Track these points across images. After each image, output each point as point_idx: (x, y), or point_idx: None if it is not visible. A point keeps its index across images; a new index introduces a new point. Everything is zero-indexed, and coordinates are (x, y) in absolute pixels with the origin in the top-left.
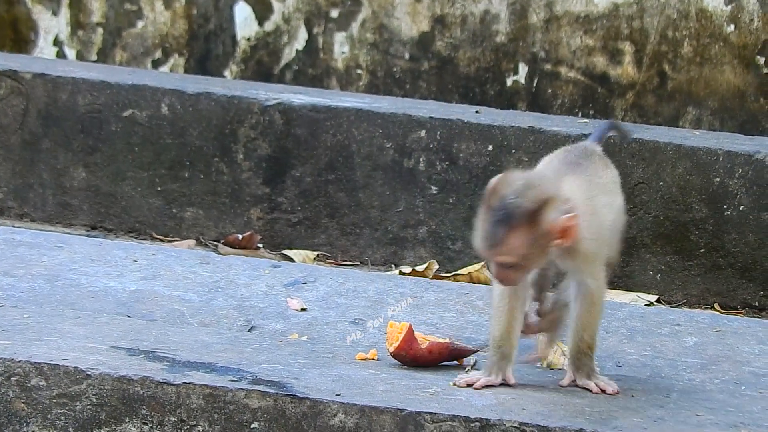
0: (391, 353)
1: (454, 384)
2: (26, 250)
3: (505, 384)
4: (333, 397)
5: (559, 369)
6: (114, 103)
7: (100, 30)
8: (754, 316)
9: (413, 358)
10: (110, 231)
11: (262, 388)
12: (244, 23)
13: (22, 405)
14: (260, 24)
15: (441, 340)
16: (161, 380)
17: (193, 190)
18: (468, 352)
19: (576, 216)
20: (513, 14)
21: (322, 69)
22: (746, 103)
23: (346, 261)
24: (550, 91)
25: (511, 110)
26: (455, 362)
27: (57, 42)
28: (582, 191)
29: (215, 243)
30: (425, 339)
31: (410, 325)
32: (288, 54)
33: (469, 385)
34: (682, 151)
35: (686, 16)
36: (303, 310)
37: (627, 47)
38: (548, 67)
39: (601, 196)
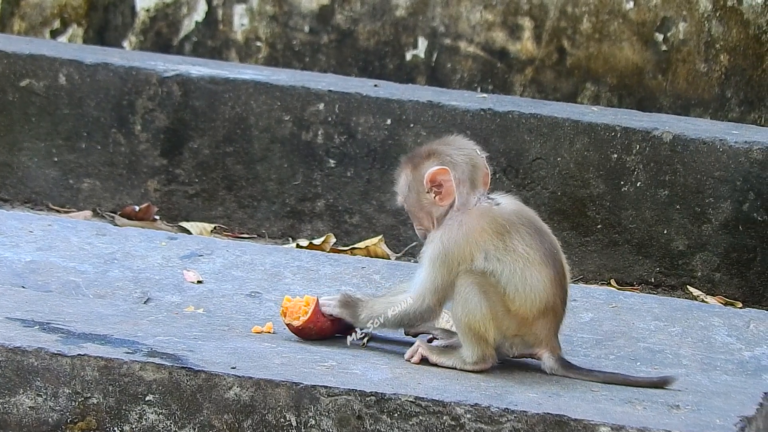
0: (296, 327)
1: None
2: None
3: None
4: (228, 370)
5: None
6: (11, 72)
7: None
8: (650, 293)
9: (319, 331)
10: (6, 201)
11: (157, 360)
12: None
13: None
14: None
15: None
16: (56, 352)
17: (90, 161)
18: None
19: (445, 171)
20: None
21: (222, 41)
22: (644, 80)
23: (243, 234)
24: (449, 65)
25: (410, 84)
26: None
27: None
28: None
29: (112, 214)
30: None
31: (317, 299)
32: (187, 25)
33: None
34: (580, 127)
35: None
36: (199, 282)
37: (526, 23)
38: (448, 41)
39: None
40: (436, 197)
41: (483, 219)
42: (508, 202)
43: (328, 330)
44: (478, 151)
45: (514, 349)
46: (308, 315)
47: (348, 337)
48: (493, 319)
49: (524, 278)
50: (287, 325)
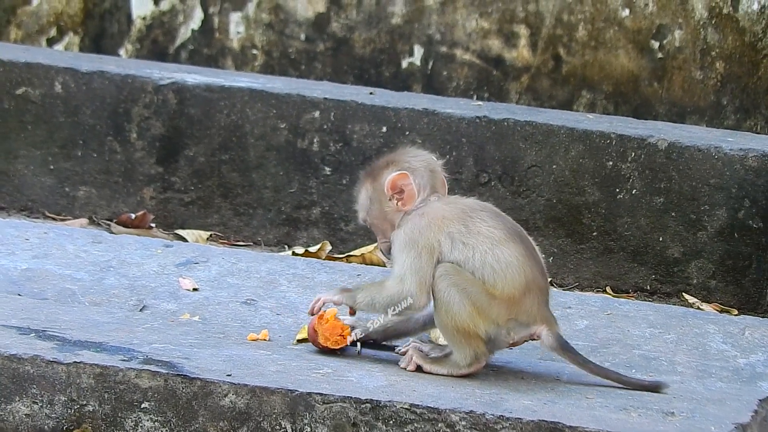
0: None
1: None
2: None
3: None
4: (224, 378)
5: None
6: (7, 80)
7: None
8: (645, 300)
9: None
10: (2, 209)
11: (152, 367)
12: (140, 2)
13: None
14: (156, 3)
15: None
16: (51, 359)
17: (86, 169)
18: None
19: (405, 175)
20: None
21: (218, 49)
22: (640, 87)
23: (239, 241)
24: (445, 73)
25: (405, 92)
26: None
27: None
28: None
29: (108, 222)
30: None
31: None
32: (183, 33)
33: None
34: (576, 134)
35: (581, 0)
36: (195, 290)
37: (522, 30)
38: (443, 49)
39: (456, 222)
40: (399, 203)
41: (444, 208)
42: (467, 199)
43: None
44: (435, 158)
45: (513, 334)
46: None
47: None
48: (480, 312)
49: (496, 257)
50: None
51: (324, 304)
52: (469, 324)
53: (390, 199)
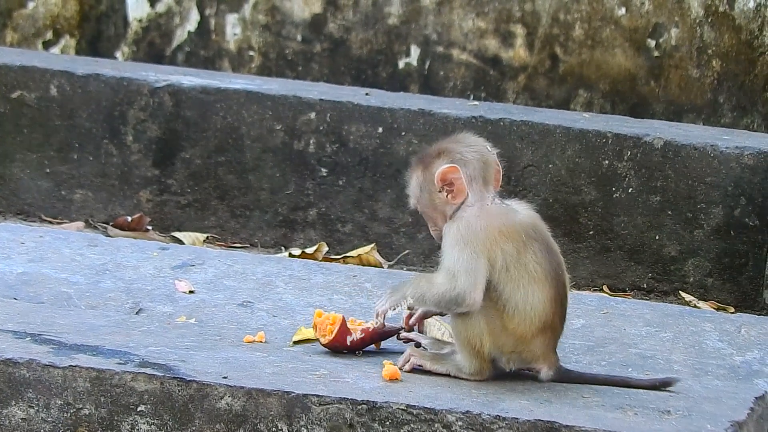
0: (323, 344)
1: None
2: None
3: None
4: (220, 380)
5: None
6: (2, 84)
7: None
8: (642, 299)
9: (348, 347)
10: None
11: (149, 370)
12: (136, 4)
13: None
14: (152, 5)
15: (370, 325)
16: (47, 363)
17: (83, 172)
18: (394, 332)
19: (455, 169)
20: None
21: (214, 51)
22: (637, 86)
23: (236, 243)
24: (442, 73)
25: (401, 92)
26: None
27: None
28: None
29: (104, 225)
30: (358, 325)
31: (343, 318)
32: (180, 35)
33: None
34: (572, 133)
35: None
36: (191, 292)
37: (519, 30)
38: (440, 49)
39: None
40: (449, 196)
41: (501, 219)
42: (525, 213)
43: (357, 344)
44: (489, 148)
45: (511, 364)
46: (333, 335)
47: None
48: (490, 335)
49: (525, 296)
50: (317, 339)
51: (384, 316)
52: (477, 341)
53: (440, 191)
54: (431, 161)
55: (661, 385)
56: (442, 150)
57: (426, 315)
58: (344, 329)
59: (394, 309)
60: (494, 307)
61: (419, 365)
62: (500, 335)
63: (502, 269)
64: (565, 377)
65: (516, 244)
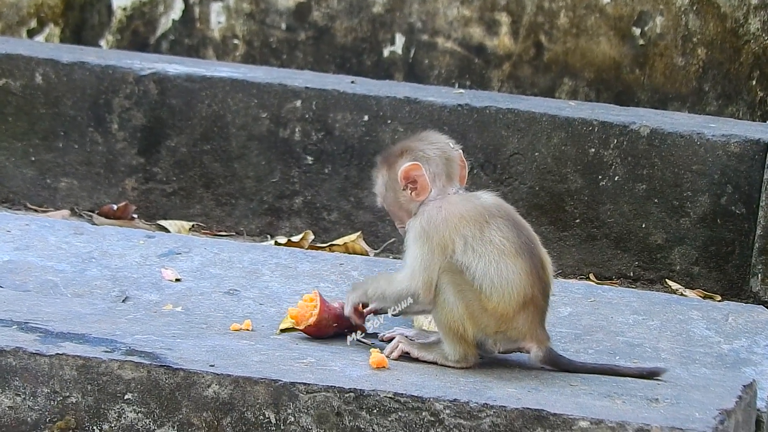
0: (313, 324)
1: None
2: None
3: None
4: (207, 368)
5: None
6: None
7: None
8: (628, 287)
9: (335, 319)
10: None
11: (135, 358)
12: None
13: None
14: None
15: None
16: (34, 351)
17: (68, 161)
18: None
19: (418, 166)
20: None
21: (199, 39)
22: (622, 74)
23: (221, 231)
24: (426, 61)
25: (387, 80)
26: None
27: None
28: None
29: (90, 213)
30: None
31: (318, 292)
32: (164, 24)
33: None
34: (558, 121)
35: None
36: (177, 280)
37: (503, 18)
38: (425, 37)
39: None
40: (413, 193)
41: (462, 205)
42: (487, 196)
43: (341, 317)
44: (452, 145)
45: (499, 345)
46: (318, 308)
47: (348, 336)
48: (471, 318)
49: (499, 271)
50: (303, 331)
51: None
52: (458, 326)
53: (404, 189)
54: (394, 160)
55: (649, 375)
56: (405, 149)
57: (379, 311)
58: (324, 300)
59: (357, 306)
60: (471, 290)
61: (406, 352)
62: (481, 317)
63: (467, 250)
64: (556, 361)
65: (477, 224)
